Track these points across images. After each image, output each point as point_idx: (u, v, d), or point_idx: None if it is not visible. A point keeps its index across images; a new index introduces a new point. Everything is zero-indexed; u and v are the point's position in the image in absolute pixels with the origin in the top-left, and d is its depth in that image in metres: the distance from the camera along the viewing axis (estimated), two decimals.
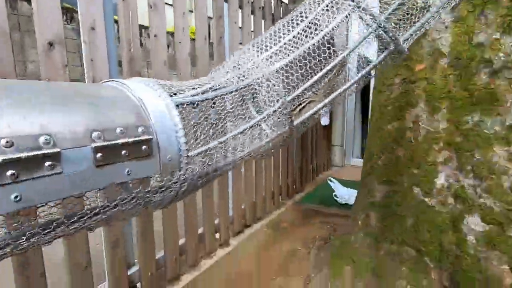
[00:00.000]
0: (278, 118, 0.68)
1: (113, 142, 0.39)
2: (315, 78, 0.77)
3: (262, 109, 0.76)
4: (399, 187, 1.45)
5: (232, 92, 0.63)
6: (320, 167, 4.01)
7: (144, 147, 0.44)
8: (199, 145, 0.57)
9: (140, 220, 1.56)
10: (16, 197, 0.32)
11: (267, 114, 0.66)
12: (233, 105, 0.63)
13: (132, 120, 0.44)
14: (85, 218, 0.38)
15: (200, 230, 2.01)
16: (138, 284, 1.63)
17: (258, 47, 0.79)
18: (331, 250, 1.78)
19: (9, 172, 0.31)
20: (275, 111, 0.66)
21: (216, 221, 2.14)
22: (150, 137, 0.45)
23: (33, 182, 0.32)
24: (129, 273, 1.55)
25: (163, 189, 0.49)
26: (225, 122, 0.62)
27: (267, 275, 1.86)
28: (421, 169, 1.37)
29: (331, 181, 3.40)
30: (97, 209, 0.39)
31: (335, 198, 3.06)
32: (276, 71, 0.68)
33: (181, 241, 1.87)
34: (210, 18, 2.02)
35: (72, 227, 0.37)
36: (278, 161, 2.86)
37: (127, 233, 1.54)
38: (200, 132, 0.58)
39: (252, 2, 2.33)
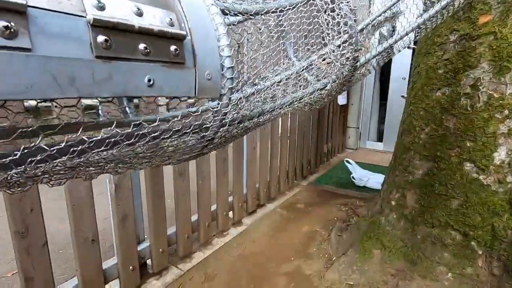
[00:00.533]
0: (342, 50, 0.51)
1: (124, 21, 0.23)
2: (389, 5, 0.58)
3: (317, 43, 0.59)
4: (445, 164, 1.26)
5: (289, 8, 0.45)
6: (334, 148, 3.86)
7: (173, 47, 0.28)
8: (246, 73, 0.41)
9: (151, 192, 1.43)
10: None
11: (334, 45, 0.48)
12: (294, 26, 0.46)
13: (157, 2, 0.27)
14: (78, 149, 0.23)
15: (213, 207, 1.91)
16: (149, 261, 1.53)
17: None
18: (356, 233, 1.63)
19: None
20: (345, 41, 0.48)
21: (230, 199, 2.03)
22: (183, 33, 0.28)
23: None
24: (139, 248, 1.44)
25: (197, 124, 0.33)
26: (284, 48, 0.45)
27: (283, 256, 1.74)
28: (477, 142, 1.17)
29: (348, 162, 3.23)
30: (99, 138, 0.24)
31: (353, 179, 2.90)
32: None
33: (193, 217, 1.76)
34: None
35: (55, 163, 0.22)
36: (293, 141, 2.72)
37: (137, 206, 1.42)
38: (247, 56, 0.41)
39: None
